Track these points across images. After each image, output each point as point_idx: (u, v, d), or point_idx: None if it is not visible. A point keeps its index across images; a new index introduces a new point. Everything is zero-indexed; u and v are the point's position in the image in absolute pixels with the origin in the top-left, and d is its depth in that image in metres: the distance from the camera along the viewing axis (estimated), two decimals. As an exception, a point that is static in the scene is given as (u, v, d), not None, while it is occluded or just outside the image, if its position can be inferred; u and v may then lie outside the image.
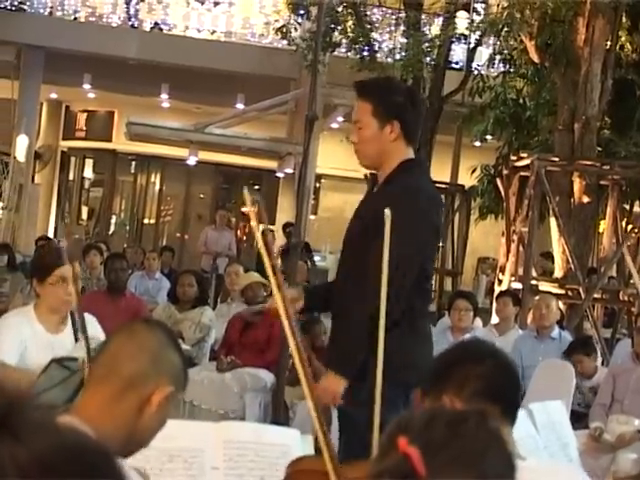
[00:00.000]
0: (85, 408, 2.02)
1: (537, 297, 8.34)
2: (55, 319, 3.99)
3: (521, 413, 2.53)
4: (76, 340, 3.94)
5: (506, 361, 2.45)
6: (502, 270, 10.59)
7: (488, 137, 13.83)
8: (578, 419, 6.21)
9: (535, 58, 11.40)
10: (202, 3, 16.82)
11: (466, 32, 14.48)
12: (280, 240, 14.03)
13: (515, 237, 10.43)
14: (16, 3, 15.98)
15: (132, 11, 16.64)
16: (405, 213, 3.32)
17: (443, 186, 13.69)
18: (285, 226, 14.20)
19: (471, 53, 14.65)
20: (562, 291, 9.97)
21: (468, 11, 14.36)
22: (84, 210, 21.72)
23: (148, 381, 2.07)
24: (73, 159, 21.56)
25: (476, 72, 14.32)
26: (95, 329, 4.03)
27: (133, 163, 20.94)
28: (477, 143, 14.61)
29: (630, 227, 11.07)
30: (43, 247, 9.09)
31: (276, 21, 15.48)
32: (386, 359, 3.16)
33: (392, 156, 3.67)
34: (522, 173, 10.61)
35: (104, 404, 2.02)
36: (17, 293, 8.73)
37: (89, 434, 0.89)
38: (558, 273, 10.78)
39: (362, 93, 3.76)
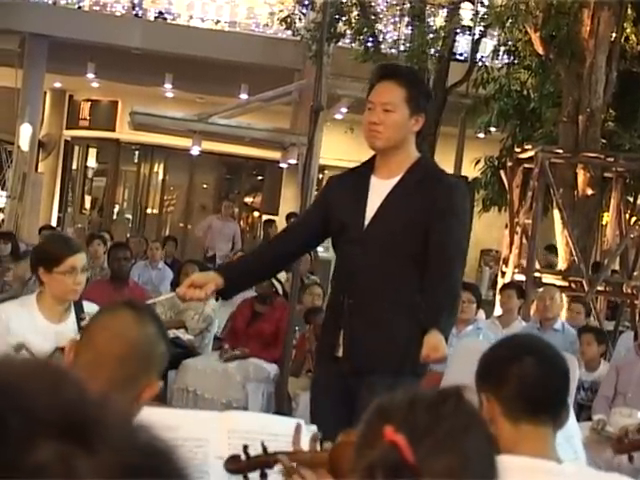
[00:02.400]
0: None
1: (541, 289, 8.33)
2: (59, 309, 3.93)
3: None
4: (79, 329, 3.91)
5: (548, 358, 2.32)
6: (505, 262, 10.59)
7: (492, 129, 13.82)
8: (581, 412, 6.23)
9: (540, 50, 11.38)
10: (206, -7, 16.80)
11: (471, 23, 14.46)
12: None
13: (518, 229, 10.43)
14: (20, -9, 15.97)
15: (136, 0, 16.62)
16: (464, 206, 3.81)
17: (447, 178, 13.67)
18: (289, 216, 14.21)
19: (475, 44, 14.63)
20: (565, 283, 9.97)
21: (473, 2, 14.34)
22: (87, 199, 21.73)
23: (140, 381, 2.05)
24: (77, 148, 21.55)
25: (480, 64, 14.29)
26: None
27: (137, 153, 20.93)
28: (481, 135, 14.59)
29: (634, 220, 11.06)
30: (50, 235, 9.10)
31: (280, 11, 15.45)
32: (406, 350, 3.32)
33: (407, 147, 3.71)
34: (526, 165, 10.61)
35: None
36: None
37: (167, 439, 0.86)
38: (561, 265, 10.78)
39: (397, 77, 3.72)
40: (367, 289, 3.64)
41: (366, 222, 3.68)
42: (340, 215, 3.74)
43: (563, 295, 8.81)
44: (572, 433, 2.96)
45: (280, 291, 7.62)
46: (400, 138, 3.68)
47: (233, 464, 2.35)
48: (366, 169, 3.80)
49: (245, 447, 2.31)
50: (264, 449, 2.29)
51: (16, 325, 3.84)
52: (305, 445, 2.31)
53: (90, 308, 4.06)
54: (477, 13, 14.20)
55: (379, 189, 3.72)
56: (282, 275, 7.59)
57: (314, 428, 2.68)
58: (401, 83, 3.68)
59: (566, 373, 2.33)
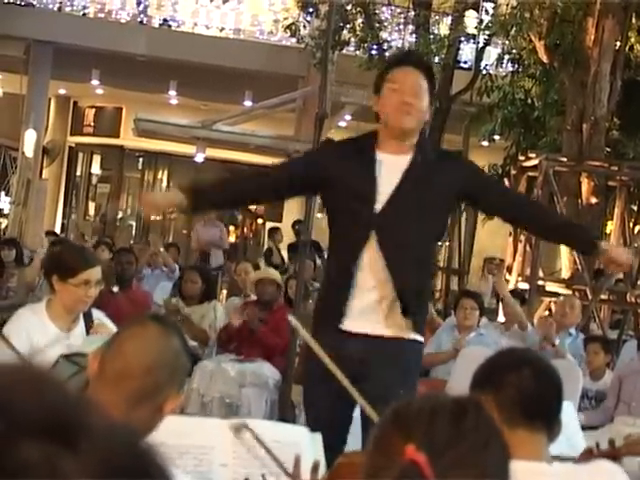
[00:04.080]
0: (107, 408, 2.00)
1: (562, 297, 8.34)
2: (68, 317, 3.95)
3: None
4: (88, 335, 3.93)
5: (544, 371, 2.40)
6: (509, 270, 10.59)
7: (496, 137, 13.82)
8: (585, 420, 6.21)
9: (544, 58, 11.40)
10: (211, 0, 16.83)
11: (475, 32, 14.47)
12: (289, 238, 14.08)
13: (522, 237, 10.43)
14: (25, -2, 16.01)
15: (141, 7, 16.66)
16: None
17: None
18: (294, 224, 14.23)
19: (480, 53, 14.64)
20: (569, 292, 9.96)
21: (477, 10, 14.35)
22: (91, 206, 21.75)
23: (163, 392, 2.11)
24: (81, 155, 21.59)
25: (485, 72, 14.31)
26: (107, 323, 4.03)
27: (140, 159, 20.96)
28: (485, 143, 14.60)
29: (638, 228, 11.06)
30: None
31: (285, 19, 15.48)
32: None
33: (417, 134, 3.70)
34: (530, 173, 10.61)
35: (124, 408, 2.02)
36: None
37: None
38: (565, 274, 10.78)
39: (422, 68, 3.73)
40: None
41: (381, 201, 3.61)
42: (348, 187, 3.62)
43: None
44: (576, 441, 2.96)
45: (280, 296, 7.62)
46: (420, 125, 3.71)
47: None
48: (368, 142, 3.74)
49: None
50: None
51: (32, 335, 3.85)
52: (306, 474, 2.32)
53: (98, 316, 4.07)
54: (481, 21, 14.21)
55: (391, 165, 3.66)
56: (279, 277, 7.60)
57: (318, 437, 2.68)
58: (425, 75, 3.70)
59: (560, 388, 2.39)
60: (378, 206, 3.55)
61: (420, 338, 3.62)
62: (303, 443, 2.57)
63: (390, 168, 3.61)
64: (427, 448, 1.27)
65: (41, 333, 3.84)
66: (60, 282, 3.90)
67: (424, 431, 1.31)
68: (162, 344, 2.15)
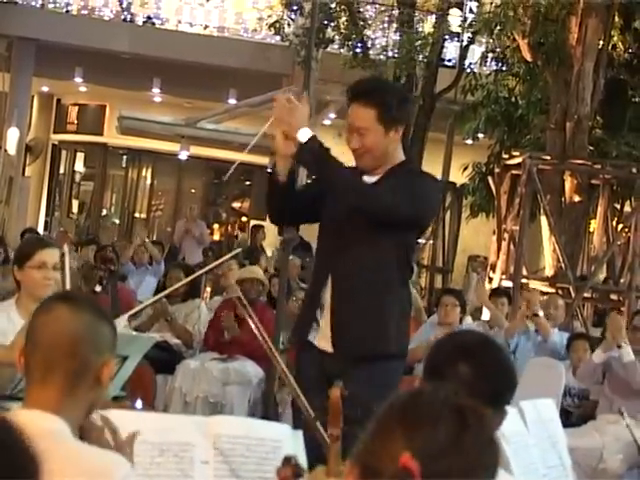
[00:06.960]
0: (43, 402, 2.04)
1: (546, 297, 8.35)
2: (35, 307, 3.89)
3: (511, 410, 2.47)
4: None
5: (487, 364, 2.23)
6: (493, 268, 10.61)
7: (480, 135, 13.84)
8: (567, 418, 6.24)
9: (527, 57, 11.42)
10: (195, -3, 16.80)
11: (459, 30, 14.50)
12: (273, 236, 14.07)
13: (506, 235, 10.45)
14: (8, -5, 15.93)
15: (124, 4, 16.60)
16: (414, 179, 3.67)
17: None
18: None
19: (464, 51, 14.67)
20: (552, 290, 9.99)
21: (461, 9, 14.38)
22: (75, 204, 21.67)
23: (94, 365, 2.12)
24: (64, 152, 21.49)
25: (468, 70, 14.33)
26: None
27: (124, 157, 20.89)
28: (469, 141, 14.62)
29: (621, 226, 11.09)
30: (26, 237, 9.06)
31: (269, 17, 15.46)
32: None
33: (392, 156, 3.73)
34: (513, 171, 10.63)
35: (60, 395, 2.07)
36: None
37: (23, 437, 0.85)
38: (548, 272, 10.81)
39: (365, 99, 3.67)
40: None
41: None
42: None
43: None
44: (557, 439, 2.97)
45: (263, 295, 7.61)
46: (382, 155, 3.71)
47: None
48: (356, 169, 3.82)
49: None
50: None
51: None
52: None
53: None
54: (465, 20, 14.24)
55: None
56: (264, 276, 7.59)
57: (300, 434, 2.68)
58: (370, 103, 3.64)
59: (500, 381, 2.24)
60: None
61: None
62: (285, 440, 2.56)
63: None
64: (422, 457, 1.27)
65: (7, 327, 3.80)
66: (20, 271, 3.89)
67: (425, 436, 1.32)
68: (73, 324, 2.13)
